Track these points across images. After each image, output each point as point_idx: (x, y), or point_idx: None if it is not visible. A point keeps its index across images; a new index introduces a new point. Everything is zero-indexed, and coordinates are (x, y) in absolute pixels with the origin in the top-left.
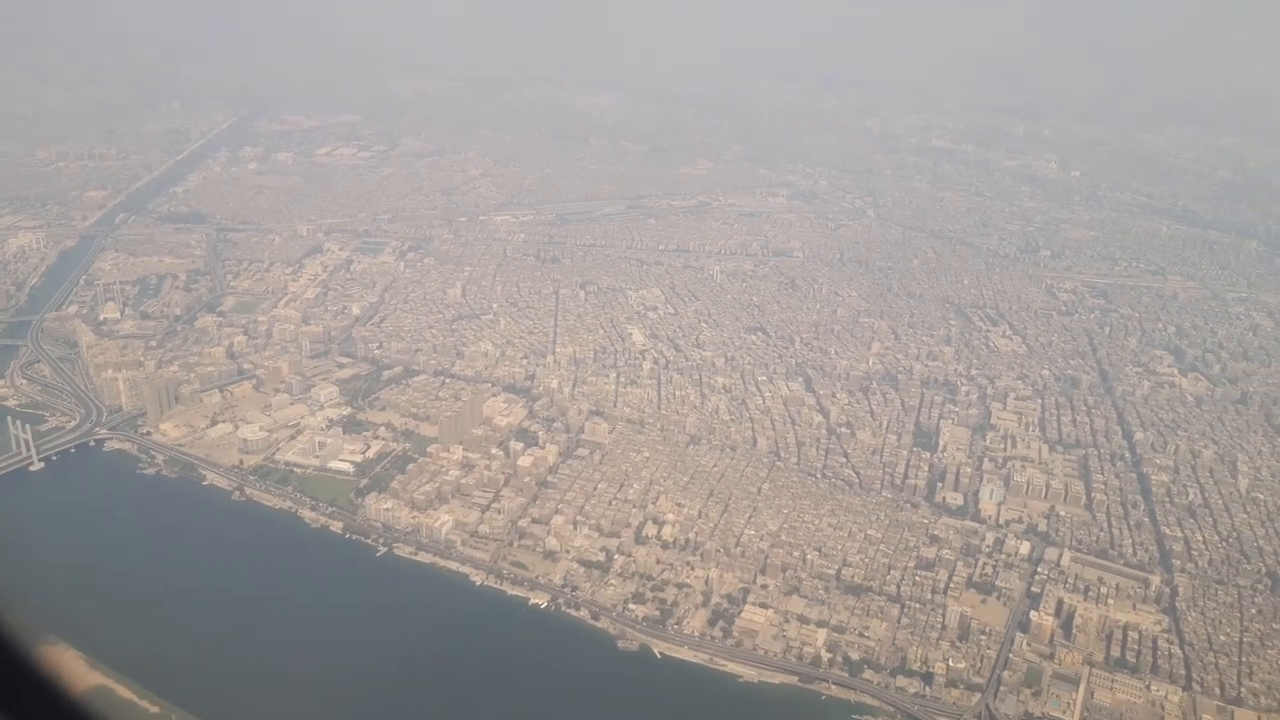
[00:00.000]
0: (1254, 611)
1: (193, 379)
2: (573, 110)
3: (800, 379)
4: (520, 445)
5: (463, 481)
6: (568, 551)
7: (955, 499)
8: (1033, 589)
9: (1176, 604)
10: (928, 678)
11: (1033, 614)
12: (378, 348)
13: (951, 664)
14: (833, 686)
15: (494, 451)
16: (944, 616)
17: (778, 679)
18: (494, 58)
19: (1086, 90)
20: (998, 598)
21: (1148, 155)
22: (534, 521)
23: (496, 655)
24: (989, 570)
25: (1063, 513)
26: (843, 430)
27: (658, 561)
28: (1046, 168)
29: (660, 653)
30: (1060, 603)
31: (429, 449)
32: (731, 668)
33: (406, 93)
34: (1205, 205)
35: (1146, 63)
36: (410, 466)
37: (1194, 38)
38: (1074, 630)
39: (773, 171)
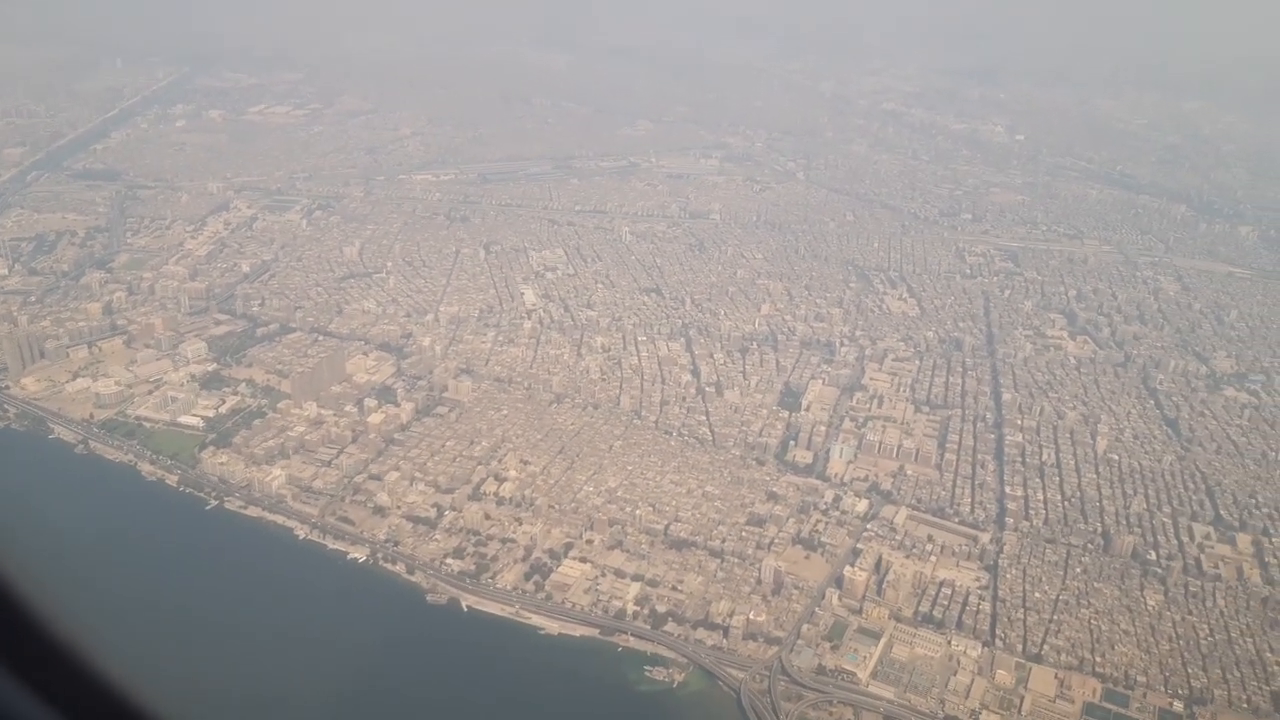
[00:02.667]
0: (1079, 570)
1: (61, 334)
2: (525, 69)
3: (682, 339)
4: (374, 402)
5: (307, 438)
6: (398, 507)
7: (805, 457)
8: (858, 546)
9: (999, 561)
10: (728, 631)
11: (846, 570)
12: (258, 305)
13: (752, 617)
14: (631, 638)
15: (348, 409)
16: (759, 571)
17: (579, 631)
18: (460, 15)
19: (1054, 54)
20: (821, 554)
21: (1101, 120)
22: (370, 478)
23: (296, 605)
24: (820, 527)
25: (910, 472)
26: (709, 389)
27: (486, 517)
28: (993, 131)
29: (468, 606)
30: (879, 559)
31: (279, 405)
32: (536, 620)
33: (359, 50)
34: (1145, 170)
35: (1120, 28)
36: (256, 422)
37: (1172, 4)
38: (885, 586)
39: (713, 133)
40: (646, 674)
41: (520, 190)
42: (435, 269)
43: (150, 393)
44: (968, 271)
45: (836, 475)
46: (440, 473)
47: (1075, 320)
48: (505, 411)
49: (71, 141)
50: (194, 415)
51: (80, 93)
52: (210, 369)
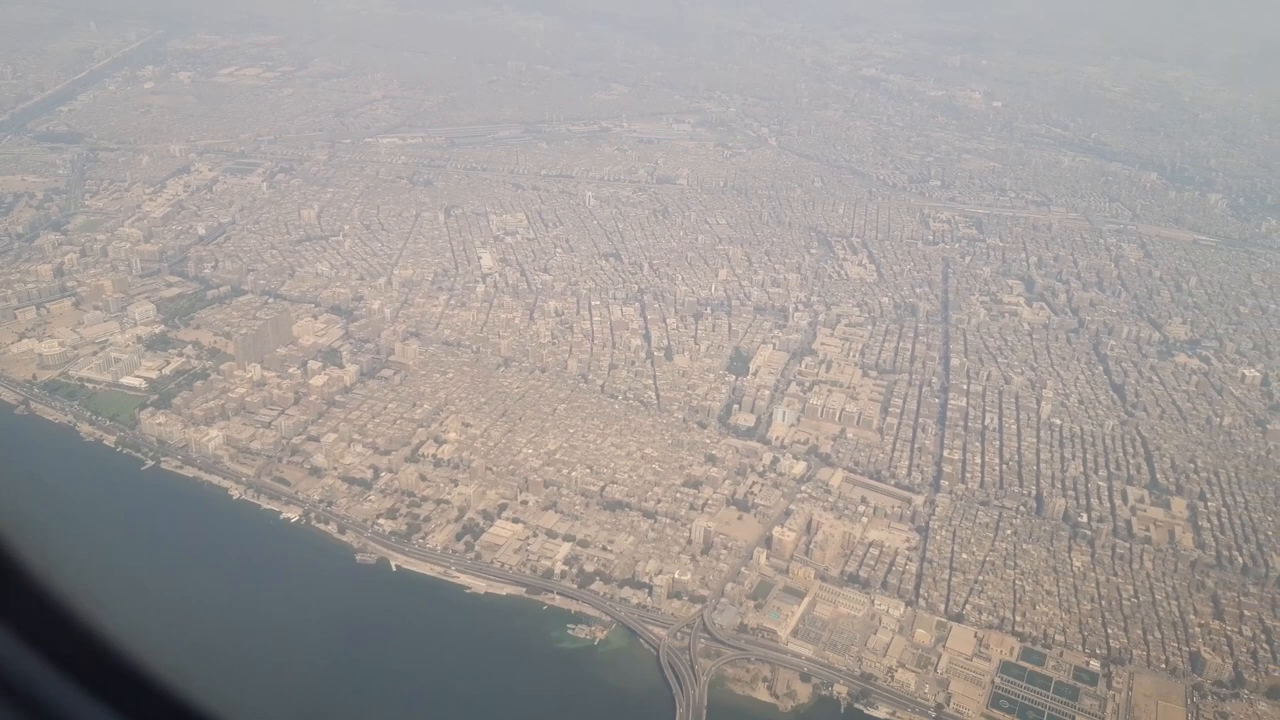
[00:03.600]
0: (1009, 532)
1: (9, 296)
2: (502, 33)
3: (637, 304)
4: (318, 364)
5: (248, 399)
6: (335, 468)
7: (748, 421)
8: (791, 507)
9: (930, 523)
10: (653, 589)
11: (775, 530)
12: (211, 267)
13: (678, 576)
14: (556, 597)
15: (292, 371)
16: (690, 532)
17: (506, 590)
18: None
19: (1042, 23)
20: (754, 515)
21: (1082, 87)
22: (309, 439)
23: (219, 562)
24: (755, 489)
25: (851, 435)
26: (658, 354)
27: (422, 479)
28: (970, 98)
29: (397, 565)
30: (810, 520)
31: (222, 366)
32: (464, 580)
33: (336, 13)
34: (1120, 138)
35: None
36: (198, 383)
37: None
38: (812, 546)
39: (688, 98)
40: (569, 632)
41: (487, 154)
42: (393, 232)
43: (95, 354)
44: (930, 238)
45: (778, 438)
46: (379, 435)
47: (1033, 287)
48: (451, 374)
49: (37, 103)
50: (137, 376)
51: (50, 54)
52: (158, 331)
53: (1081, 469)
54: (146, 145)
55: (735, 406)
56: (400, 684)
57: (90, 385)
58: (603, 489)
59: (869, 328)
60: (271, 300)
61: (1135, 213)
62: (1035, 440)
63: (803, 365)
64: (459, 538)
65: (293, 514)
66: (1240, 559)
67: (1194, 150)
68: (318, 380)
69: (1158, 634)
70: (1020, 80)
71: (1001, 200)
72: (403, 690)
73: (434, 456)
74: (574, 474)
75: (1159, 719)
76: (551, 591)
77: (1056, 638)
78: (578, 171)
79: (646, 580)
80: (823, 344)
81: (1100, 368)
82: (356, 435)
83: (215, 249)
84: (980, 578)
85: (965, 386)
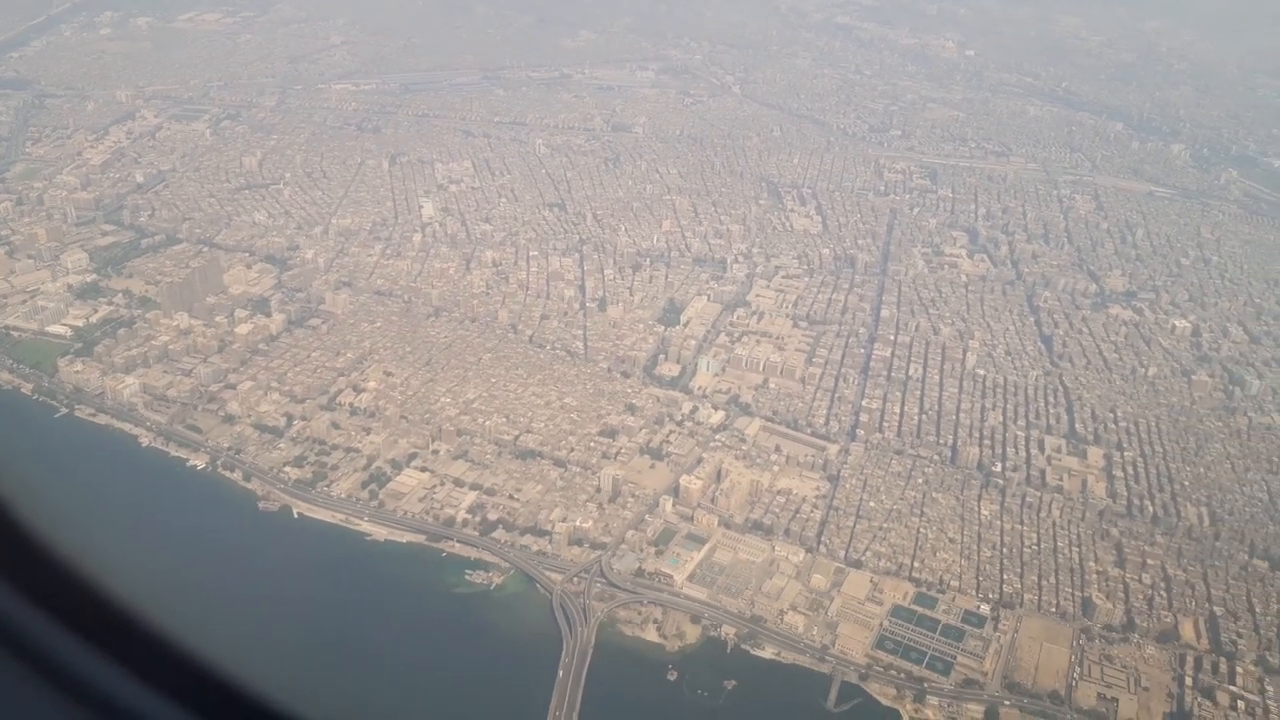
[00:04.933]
0: (920, 481)
1: None
2: None
3: (576, 255)
4: (245, 313)
5: (170, 347)
6: (248, 416)
7: (673, 371)
8: (703, 456)
9: (842, 472)
10: (553, 536)
11: (683, 478)
12: (147, 216)
13: (579, 523)
14: (456, 544)
15: (219, 319)
16: (598, 480)
17: (406, 538)
18: None
19: None
20: (667, 464)
21: (1058, 36)
22: (226, 387)
23: (115, 505)
24: (671, 438)
25: (774, 385)
26: (592, 305)
27: (335, 427)
28: (944, 47)
29: (299, 513)
30: (719, 468)
31: (148, 315)
32: (365, 527)
33: None
34: (1091, 87)
35: None
36: (121, 331)
37: None
38: (718, 494)
39: (655, 45)
40: (466, 577)
41: (441, 101)
42: (335, 180)
43: (24, 302)
44: (882, 189)
45: (701, 388)
46: (298, 383)
47: (977, 238)
48: (378, 324)
49: None
50: (63, 325)
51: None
52: (89, 279)
53: (1001, 419)
54: (95, 92)
55: (661, 357)
56: (283, 627)
57: (15, 334)
58: (516, 438)
59: (805, 279)
60: (206, 249)
61: (1095, 164)
62: (957, 391)
63: (735, 316)
64: (364, 486)
65: (200, 461)
66: (1151, 508)
67: (1165, 100)
68: (243, 329)
69: (1052, 579)
70: (996, 29)
71: (960, 150)
72: (283, 633)
73: (350, 405)
74: (489, 423)
75: (1042, 659)
76: (451, 539)
77: (952, 583)
78: (532, 119)
79: (549, 528)
80: (757, 295)
81: (1032, 319)
82: (275, 383)
83: (153, 197)
84: (884, 525)
85: (893, 337)
